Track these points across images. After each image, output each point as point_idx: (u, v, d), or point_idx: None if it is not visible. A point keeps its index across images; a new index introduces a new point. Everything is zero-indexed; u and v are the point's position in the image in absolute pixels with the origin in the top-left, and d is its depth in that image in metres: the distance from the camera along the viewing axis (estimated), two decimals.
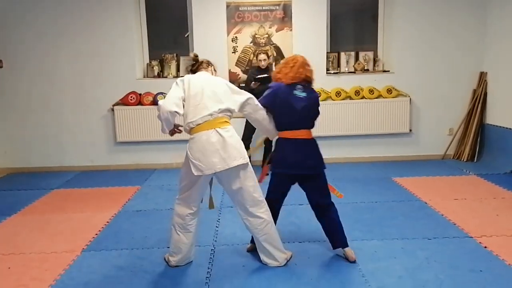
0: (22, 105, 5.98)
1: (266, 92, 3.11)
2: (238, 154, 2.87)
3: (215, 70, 3.28)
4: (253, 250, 3.26)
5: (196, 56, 3.25)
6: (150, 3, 6.16)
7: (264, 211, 3.00)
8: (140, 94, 5.96)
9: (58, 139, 6.07)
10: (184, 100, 2.88)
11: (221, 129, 2.85)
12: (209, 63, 3.24)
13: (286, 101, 3.01)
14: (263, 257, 3.09)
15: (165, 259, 3.17)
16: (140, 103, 5.94)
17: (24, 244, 3.56)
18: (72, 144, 6.09)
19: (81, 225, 3.96)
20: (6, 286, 2.89)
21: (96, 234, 3.74)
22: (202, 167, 2.80)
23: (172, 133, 3.00)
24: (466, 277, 2.84)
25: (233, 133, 2.92)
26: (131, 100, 5.93)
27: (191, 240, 3.07)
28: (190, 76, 3.03)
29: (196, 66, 3.20)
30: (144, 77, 6.16)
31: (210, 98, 2.88)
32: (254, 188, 2.96)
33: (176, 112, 2.82)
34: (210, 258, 3.23)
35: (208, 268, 3.06)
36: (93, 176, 5.74)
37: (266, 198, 3.09)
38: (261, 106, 3.07)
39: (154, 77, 6.11)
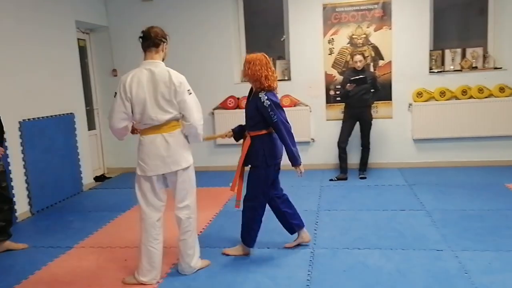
0: None
1: (275, 108, 3.09)
2: (182, 159, 2.95)
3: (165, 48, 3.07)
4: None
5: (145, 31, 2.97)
6: (248, 10, 6.36)
7: (189, 213, 3.07)
8: (238, 98, 6.17)
9: None
10: (132, 107, 2.85)
11: (167, 134, 2.88)
12: (160, 41, 3.00)
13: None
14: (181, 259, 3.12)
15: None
16: (238, 106, 6.15)
17: (138, 238, 3.84)
18: None
19: None
20: (124, 277, 3.16)
21: (200, 232, 3.93)
22: (146, 169, 2.90)
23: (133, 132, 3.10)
24: None
25: (178, 138, 2.94)
26: (230, 104, 6.16)
27: (161, 249, 3.09)
28: (132, 75, 2.93)
29: (145, 45, 2.97)
30: (241, 81, 6.36)
31: (153, 107, 2.82)
32: (188, 192, 3.04)
33: (125, 126, 2.91)
34: (310, 260, 3.23)
35: (309, 271, 3.07)
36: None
37: (264, 201, 3.28)
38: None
39: None
